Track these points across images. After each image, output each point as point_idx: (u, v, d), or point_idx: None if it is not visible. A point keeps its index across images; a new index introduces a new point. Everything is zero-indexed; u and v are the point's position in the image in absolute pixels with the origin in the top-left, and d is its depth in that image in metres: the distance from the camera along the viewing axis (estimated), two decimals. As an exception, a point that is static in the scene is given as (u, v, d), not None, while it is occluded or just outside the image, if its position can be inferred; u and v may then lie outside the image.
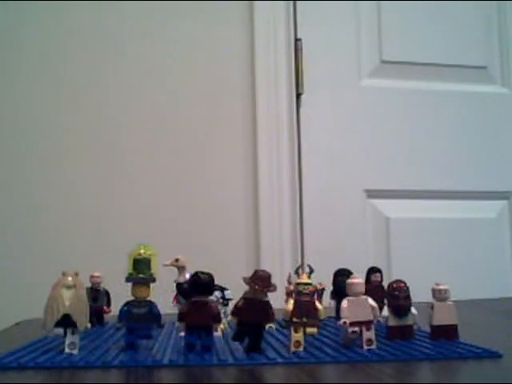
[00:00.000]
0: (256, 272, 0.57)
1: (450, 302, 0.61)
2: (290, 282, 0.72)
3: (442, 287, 0.62)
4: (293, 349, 0.56)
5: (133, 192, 1.33)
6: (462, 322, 0.63)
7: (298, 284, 0.58)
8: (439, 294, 0.62)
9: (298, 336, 0.57)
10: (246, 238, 1.36)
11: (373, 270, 0.78)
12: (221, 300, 0.69)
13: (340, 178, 1.44)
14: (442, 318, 0.61)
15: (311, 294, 0.58)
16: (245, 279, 0.56)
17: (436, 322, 0.61)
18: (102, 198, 1.31)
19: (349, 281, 0.59)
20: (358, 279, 0.59)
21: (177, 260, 0.71)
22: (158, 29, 1.38)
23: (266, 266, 1.33)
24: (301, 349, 0.56)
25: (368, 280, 0.77)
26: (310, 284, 0.58)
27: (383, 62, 1.50)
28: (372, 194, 1.46)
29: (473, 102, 1.55)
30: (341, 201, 1.43)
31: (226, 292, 0.70)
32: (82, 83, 1.34)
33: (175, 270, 0.71)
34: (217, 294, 0.66)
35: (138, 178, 1.33)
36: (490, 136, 1.55)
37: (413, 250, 1.43)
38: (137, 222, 1.32)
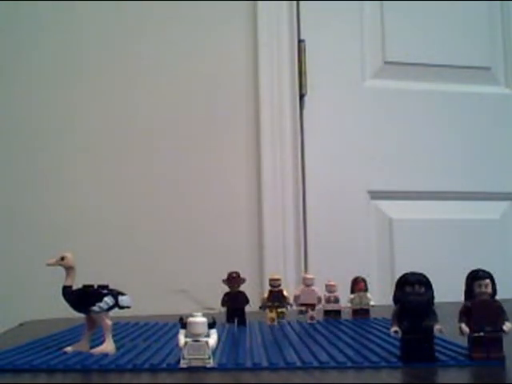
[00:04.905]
0: (228, 274, 0.79)
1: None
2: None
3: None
4: (269, 323, 0.79)
5: (133, 192, 1.33)
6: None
7: (271, 280, 0.80)
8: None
9: (272, 314, 0.79)
10: (249, 240, 1.36)
11: (477, 276, 0.50)
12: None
13: (343, 179, 1.44)
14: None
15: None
16: (223, 281, 0.79)
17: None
18: (102, 198, 1.31)
19: (303, 275, 0.83)
20: (310, 275, 0.82)
21: (62, 258, 0.65)
22: (159, 29, 1.38)
23: (269, 266, 1.33)
24: (275, 323, 0.78)
25: (471, 291, 0.50)
26: (279, 279, 0.80)
27: (386, 62, 1.50)
28: (375, 195, 1.46)
29: (476, 103, 1.54)
30: (344, 202, 1.43)
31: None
32: (81, 83, 1.34)
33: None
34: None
35: (139, 178, 1.33)
36: (494, 137, 1.54)
37: (416, 251, 1.43)
38: (137, 222, 1.32)
